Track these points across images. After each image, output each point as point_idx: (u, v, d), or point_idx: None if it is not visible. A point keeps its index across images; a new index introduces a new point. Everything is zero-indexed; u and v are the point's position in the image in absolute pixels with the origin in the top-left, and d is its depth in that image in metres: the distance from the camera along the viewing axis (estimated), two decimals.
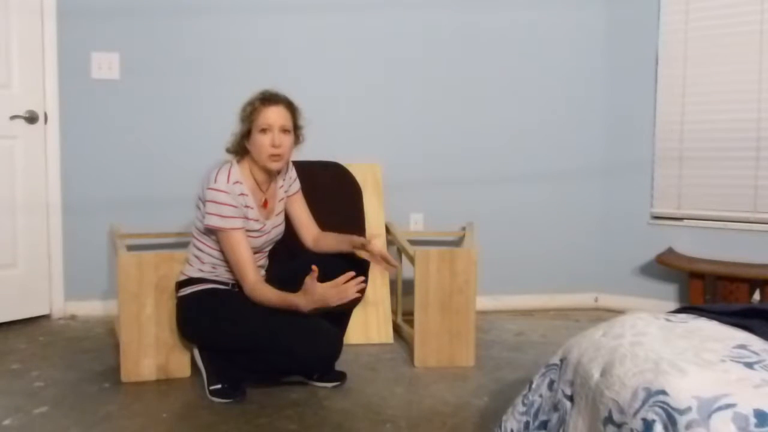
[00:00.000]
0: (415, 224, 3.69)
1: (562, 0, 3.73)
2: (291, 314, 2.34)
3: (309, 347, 2.30)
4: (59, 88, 3.37)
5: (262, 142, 2.35)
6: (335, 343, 2.41)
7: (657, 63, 3.65)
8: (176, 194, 3.44)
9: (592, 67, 3.78)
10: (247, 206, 2.36)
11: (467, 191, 3.71)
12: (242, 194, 2.36)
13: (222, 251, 2.39)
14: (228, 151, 2.43)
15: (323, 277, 2.24)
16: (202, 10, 3.47)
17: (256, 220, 2.41)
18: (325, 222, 3.08)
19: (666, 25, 3.62)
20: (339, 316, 2.51)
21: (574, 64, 3.76)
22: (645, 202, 3.73)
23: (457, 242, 3.59)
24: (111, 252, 3.36)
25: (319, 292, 2.22)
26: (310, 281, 2.23)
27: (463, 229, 3.57)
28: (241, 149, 2.42)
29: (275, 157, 2.37)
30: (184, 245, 2.63)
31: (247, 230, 2.38)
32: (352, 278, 2.24)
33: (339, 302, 2.23)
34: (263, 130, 2.35)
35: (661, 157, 3.67)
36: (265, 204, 2.46)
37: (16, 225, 3.28)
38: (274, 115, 2.36)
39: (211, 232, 2.38)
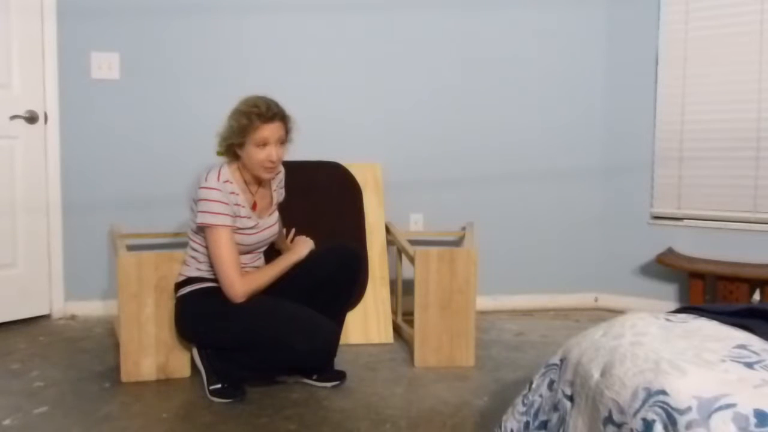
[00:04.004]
0: (415, 224, 3.69)
1: (562, 0, 3.73)
2: (289, 310, 2.37)
3: (307, 341, 2.32)
4: (59, 88, 3.37)
5: (258, 156, 2.35)
6: (332, 337, 2.45)
7: (657, 63, 3.65)
8: (176, 194, 3.44)
9: (592, 67, 3.78)
10: (237, 204, 2.38)
11: (467, 191, 3.71)
12: (233, 193, 2.37)
13: (207, 248, 2.39)
14: (219, 154, 2.43)
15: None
16: (202, 11, 3.47)
17: (249, 218, 2.42)
18: (325, 222, 3.10)
19: (666, 25, 3.62)
20: (336, 313, 2.54)
21: (575, 64, 3.76)
22: (645, 202, 3.73)
23: (457, 242, 3.59)
24: (111, 252, 3.36)
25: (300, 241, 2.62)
26: (298, 238, 2.67)
27: (463, 229, 3.57)
28: (231, 153, 2.41)
29: (270, 169, 2.39)
30: (183, 245, 2.63)
31: (241, 228, 2.39)
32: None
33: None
34: (260, 145, 2.35)
35: (661, 157, 3.67)
36: (254, 206, 2.47)
37: (16, 225, 3.28)
38: (272, 132, 2.35)
39: (202, 230, 2.39)
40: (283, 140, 2.41)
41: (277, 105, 2.39)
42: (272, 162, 2.37)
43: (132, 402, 2.36)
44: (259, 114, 2.33)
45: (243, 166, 2.42)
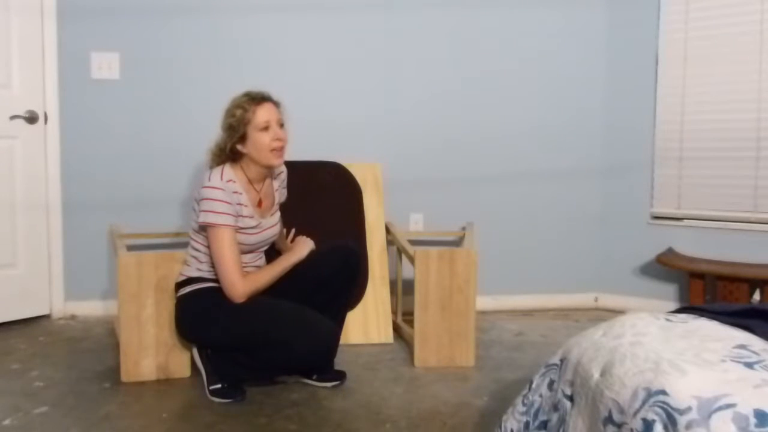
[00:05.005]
0: (415, 224, 3.68)
1: (562, 0, 3.73)
2: (289, 310, 2.37)
3: (306, 340, 2.33)
4: (59, 88, 3.37)
5: (263, 140, 2.38)
6: (332, 337, 2.46)
7: (657, 63, 3.65)
8: (176, 194, 3.45)
9: (592, 67, 3.78)
10: (240, 204, 2.39)
11: (467, 191, 3.71)
12: (236, 192, 2.38)
13: (208, 248, 2.40)
14: (211, 167, 2.44)
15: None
16: (202, 10, 3.47)
17: (251, 217, 2.43)
18: (325, 222, 3.09)
19: (666, 25, 3.62)
20: (336, 313, 2.54)
21: (575, 64, 3.76)
22: (645, 202, 3.73)
23: (457, 242, 3.59)
24: (111, 252, 3.36)
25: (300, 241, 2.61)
26: (298, 238, 2.65)
27: (463, 229, 3.57)
28: (228, 157, 2.42)
29: (278, 151, 2.41)
30: (183, 245, 2.63)
31: (243, 227, 2.40)
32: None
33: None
34: (264, 129, 2.37)
35: (661, 157, 3.67)
36: (259, 203, 2.47)
37: (16, 225, 3.28)
38: (270, 112, 2.40)
39: (204, 229, 2.39)
40: (282, 123, 2.44)
41: (265, 92, 2.45)
42: (280, 140, 2.40)
43: (132, 402, 2.36)
44: (251, 98, 2.40)
45: (249, 160, 2.42)
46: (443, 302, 2.75)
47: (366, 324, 3.09)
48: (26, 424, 2.16)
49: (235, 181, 2.39)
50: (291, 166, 2.71)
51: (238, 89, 2.47)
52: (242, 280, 2.35)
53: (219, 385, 2.38)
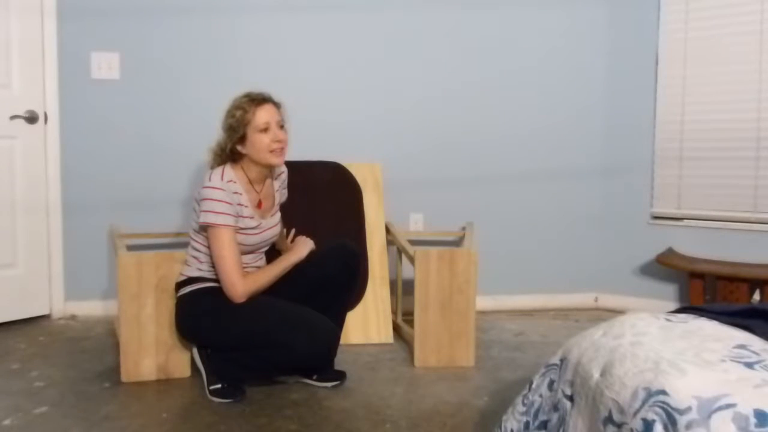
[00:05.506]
0: (415, 224, 3.68)
1: (562, 0, 3.72)
2: (289, 310, 2.37)
3: (306, 341, 2.32)
4: (59, 88, 3.37)
5: (263, 141, 2.38)
6: (332, 337, 2.46)
7: (657, 63, 3.65)
8: (176, 194, 3.45)
9: (592, 67, 3.78)
10: (240, 204, 2.39)
11: (467, 191, 3.71)
12: (236, 192, 2.38)
13: (209, 248, 2.40)
14: (212, 167, 2.44)
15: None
16: (202, 10, 3.47)
17: (251, 218, 2.43)
18: (325, 222, 3.10)
19: (666, 25, 3.62)
20: (336, 313, 2.54)
21: (575, 64, 3.76)
22: (645, 202, 3.73)
23: (457, 242, 3.59)
24: (111, 252, 3.36)
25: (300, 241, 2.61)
26: (298, 238, 2.66)
27: (463, 229, 3.57)
28: (229, 157, 2.43)
29: (278, 151, 2.42)
30: (184, 245, 2.63)
31: (243, 228, 2.40)
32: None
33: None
34: (263, 130, 2.37)
35: (661, 157, 3.67)
36: (259, 204, 2.48)
37: (16, 225, 3.28)
38: (270, 113, 2.41)
39: (204, 229, 2.39)
40: (282, 124, 2.44)
41: (266, 92, 2.45)
42: (280, 142, 2.40)
43: (132, 402, 2.36)
44: (251, 99, 2.40)
45: (249, 161, 2.43)
46: (443, 302, 2.75)
47: (366, 324, 3.09)
48: (26, 424, 2.16)
49: (235, 182, 2.39)
50: (291, 166, 2.72)
51: (238, 89, 2.48)
52: (242, 280, 2.35)
53: (219, 385, 2.38)
